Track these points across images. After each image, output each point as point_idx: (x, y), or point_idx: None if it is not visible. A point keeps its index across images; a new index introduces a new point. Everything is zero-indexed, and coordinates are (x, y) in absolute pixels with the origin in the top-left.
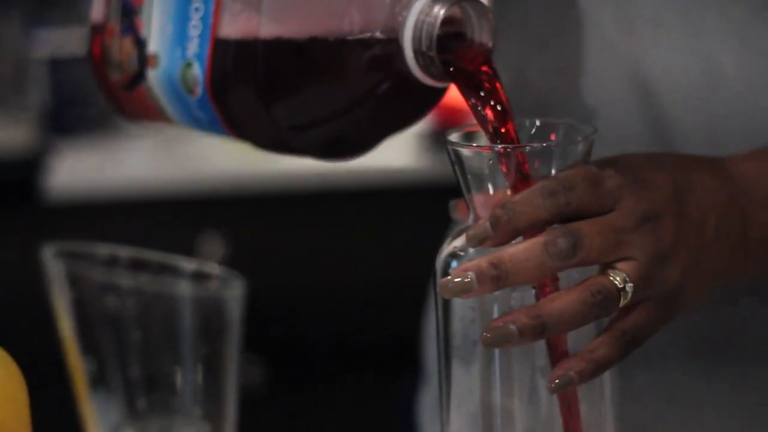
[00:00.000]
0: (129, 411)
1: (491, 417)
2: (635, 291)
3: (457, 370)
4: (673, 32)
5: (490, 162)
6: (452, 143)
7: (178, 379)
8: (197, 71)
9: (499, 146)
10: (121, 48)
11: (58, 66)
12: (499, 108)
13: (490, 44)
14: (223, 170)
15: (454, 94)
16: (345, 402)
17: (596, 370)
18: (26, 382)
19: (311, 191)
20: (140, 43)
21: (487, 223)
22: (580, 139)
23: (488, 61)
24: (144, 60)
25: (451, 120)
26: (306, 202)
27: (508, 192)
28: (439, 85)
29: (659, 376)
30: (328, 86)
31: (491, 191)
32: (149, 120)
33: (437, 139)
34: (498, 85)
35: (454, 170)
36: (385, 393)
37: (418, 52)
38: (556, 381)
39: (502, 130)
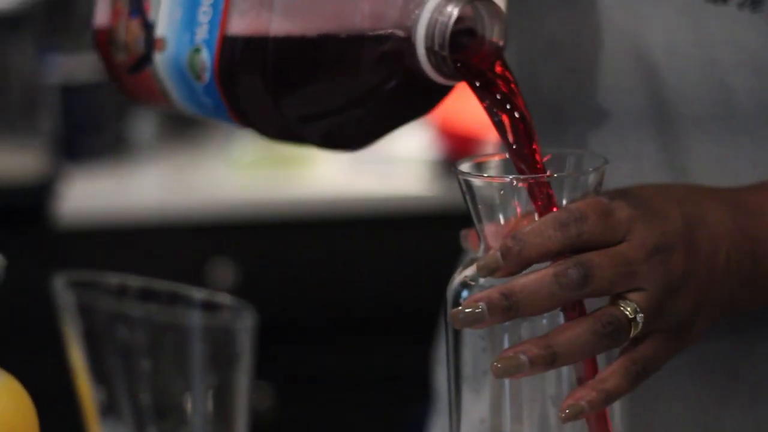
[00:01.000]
0: None
1: None
2: (646, 322)
3: (468, 399)
4: (671, 5)
5: (501, 192)
6: (463, 173)
7: (188, 408)
8: (205, 57)
9: (510, 177)
10: (128, 30)
11: (69, 92)
12: (512, 108)
13: (501, 43)
14: (233, 197)
15: (464, 125)
16: (355, 430)
17: (606, 400)
18: (37, 411)
19: (322, 218)
20: (148, 26)
21: (498, 254)
22: (591, 169)
23: (501, 60)
24: (151, 43)
25: (462, 149)
26: (317, 229)
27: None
28: (449, 83)
29: (671, 405)
30: (338, 80)
31: (502, 221)
32: (152, 103)
33: (448, 167)
34: (513, 86)
35: (465, 200)
36: (395, 421)
37: (430, 51)
38: (567, 411)
39: (518, 130)
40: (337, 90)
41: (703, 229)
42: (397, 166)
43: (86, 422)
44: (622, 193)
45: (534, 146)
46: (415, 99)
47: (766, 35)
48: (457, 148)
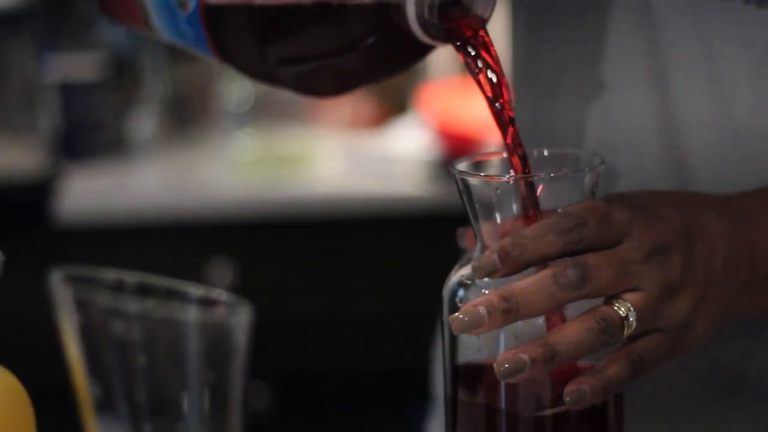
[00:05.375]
0: None
1: None
2: (641, 321)
3: (464, 399)
4: (693, 56)
5: (498, 191)
6: (460, 172)
7: (185, 405)
8: None
9: (507, 176)
10: None
11: (68, 91)
12: (492, 74)
13: (486, 15)
14: (231, 196)
15: (462, 126)
16: (352, 429)
17: (606, 387)
18: (33, 406)
19: (319, 218)
20: None
21: (495, 256)
22: (588, 169)
23: (484, 29)
24: None
25: (461, 150)
26: (314, 229)
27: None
28: (434, 43)
29: (672, 412)
30: (323, 28)
31: (498, 220)
32: (128, 23)
33: (445, 167)
34: (493, 51)
35: (462, 199)
36: (393, 421)
37: (420, 15)
38: (569, 397)
39: (498, 97)
40: (321, 37)
41: (701, 232)
42: (396, 166)
43: (82, 417)
44: (619, 197)
45: (506, 100)
46: (395, 54)
47: None
48: (456, 148)
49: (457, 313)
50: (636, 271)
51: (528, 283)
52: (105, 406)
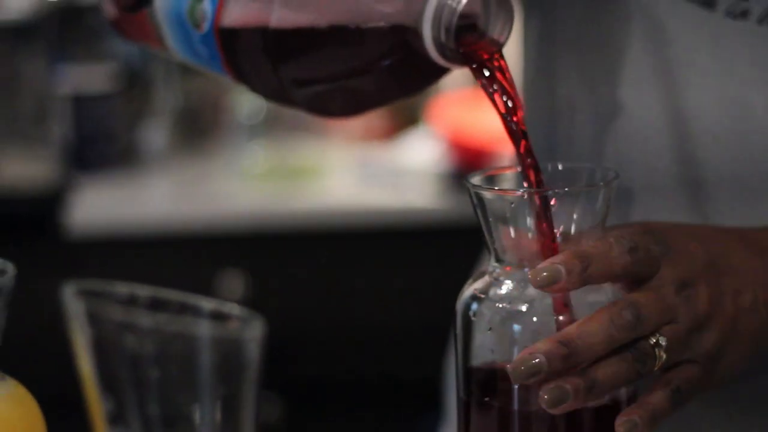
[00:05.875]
0: None
1: None
2: (671, 351)
3: (476, 412)
4: (706, 74)
5: (512, 205)
6: (474, 186)
7: (197, 418)
8: (207, 7)
9: (522, 191)
10: None
11: (81, 102)
12: (507, 98)
13: (502, 39)
14: (244, 208)
15: (474, 139)
16: None
17: (653, 416)
18: (45, 420)
19: (332, 230)
20: None
21: (561, 268)
22: (603, 183)
23: (500, 52)
24: None
25: (473, 163)
26: (326, 241)
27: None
28: (450, 66)
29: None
30: (339, 51)
31: (512, 234)
32: (144, 43)
33: (456, 179)
34: (508, 74)
35: (476, 213)
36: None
37: (436, 38)
38: (621, 428)
39: (513, 119)
40: (336, 59)
41: (728, 267)
42: (407, 178)
43: (94, 431)
44: (647, 230)
45: (520, 118)
46: (410, 76)
47: None
48: (468, 161)
49: (515, 363)
50: (670, 304)
51: (586, 326)
52: (117, 419)
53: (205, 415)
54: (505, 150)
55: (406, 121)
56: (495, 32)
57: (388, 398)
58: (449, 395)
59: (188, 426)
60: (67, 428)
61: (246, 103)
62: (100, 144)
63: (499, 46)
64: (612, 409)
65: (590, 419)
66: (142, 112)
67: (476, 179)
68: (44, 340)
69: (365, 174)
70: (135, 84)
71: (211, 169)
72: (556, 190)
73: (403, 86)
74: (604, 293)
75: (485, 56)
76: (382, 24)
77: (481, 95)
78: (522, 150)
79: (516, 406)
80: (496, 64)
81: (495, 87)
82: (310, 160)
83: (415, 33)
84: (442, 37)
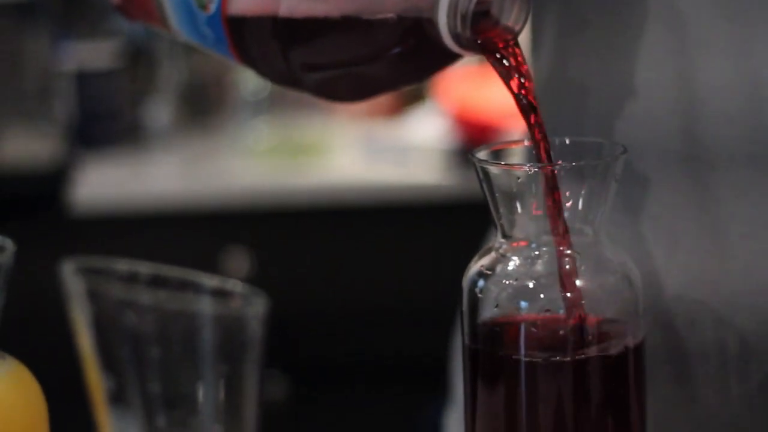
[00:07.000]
0: (148, 428)
1: None
2: None
3: (483, 390)
4: (722, 53)
5: (519, 180)
6: (480, 161)
7: (199, 397)
8: None
9: (529, 165)
10: None
11: (84, 79)
12: (523, 80)
13: (517, 28)
14: (248, 185)
15: (480, 114)
16: (369, 420)
17: None
18: (45, 398)
19: (337, 207)
20: None
21: None
22: (610, 158)
23: (515, 40)
24: None
25: (479, 138)
26: (331, 218)
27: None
28: (465, 53)
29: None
30: (350, 37)
31: (519, 210)
32: (147, 23)
33: (463, 155)
34: (522, 59)
35: (482, 188)
36: (410, 412)
37: (452, 25)
38: None
39: (526, 102)
40: (347, 47)
41: None
42: (413, 154)
43: (94, 410)
44: None
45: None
46: (423, 62)
47: None
48: (474, 136)
49: None
50: None
51: None
52: (118, 398)
53: (207, 394)
54: (512, 125)
55: (412, 97)
56: (510, 19)
57: (393, 375)
58: (455, 373)
59: (190, 405)
60: (67, 407)
61: (251, 79)
62: (103, 121)
63: (515, 33)
64: (618, 359)
65: (599, 368)
66: (146, 89)
67: (482, 154)
68: (45, 318)
69: (371, 150)
70: (139, 61)
71: (215, 146)
72: (564, 164)
73: (414, 72)
74: (612, 272)
75: (500, 44)
76: (396, 12)
77: (487, 71)
78: (532, 121)
79: (523, 387)
80: (511, 50)
81: (510, 73)
82: (315, 137)
83: (429, 21)
84: (458, 26)
